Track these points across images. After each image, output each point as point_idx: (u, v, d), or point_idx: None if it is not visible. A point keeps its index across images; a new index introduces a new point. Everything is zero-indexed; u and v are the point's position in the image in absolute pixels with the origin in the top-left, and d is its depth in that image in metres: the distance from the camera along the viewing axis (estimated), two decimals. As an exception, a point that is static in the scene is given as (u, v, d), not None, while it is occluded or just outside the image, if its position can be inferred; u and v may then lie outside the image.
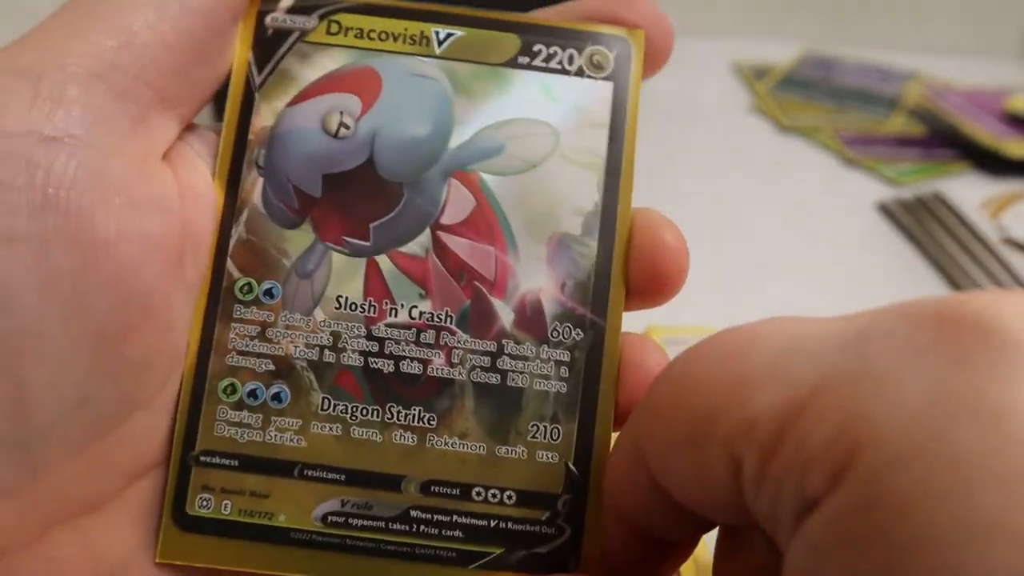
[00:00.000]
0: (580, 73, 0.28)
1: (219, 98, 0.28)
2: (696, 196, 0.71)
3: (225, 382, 0.27)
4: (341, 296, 0.27)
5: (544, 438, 0.27)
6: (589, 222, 0.28)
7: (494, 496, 0.27)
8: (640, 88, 0.29)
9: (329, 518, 0.26)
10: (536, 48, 0.28)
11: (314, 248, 0.27)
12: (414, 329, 0.27)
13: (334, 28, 0.28)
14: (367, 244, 0.27)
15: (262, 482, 0.26)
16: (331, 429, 0.27)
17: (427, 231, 0.28)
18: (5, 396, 0.22)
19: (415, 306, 0.27)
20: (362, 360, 0.27)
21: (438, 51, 0.28)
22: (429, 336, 0.27)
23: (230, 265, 0.27)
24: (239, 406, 0.27)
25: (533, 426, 0.27)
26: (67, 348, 0.23)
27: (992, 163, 0.81)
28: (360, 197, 0.28)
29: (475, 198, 0.28)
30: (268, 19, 0.28)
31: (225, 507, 0.26)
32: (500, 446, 0.27)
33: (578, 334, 0.27)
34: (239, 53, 0.28)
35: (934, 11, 1.09)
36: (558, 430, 0.27)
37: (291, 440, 0.27)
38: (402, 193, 0.28)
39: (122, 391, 0.24)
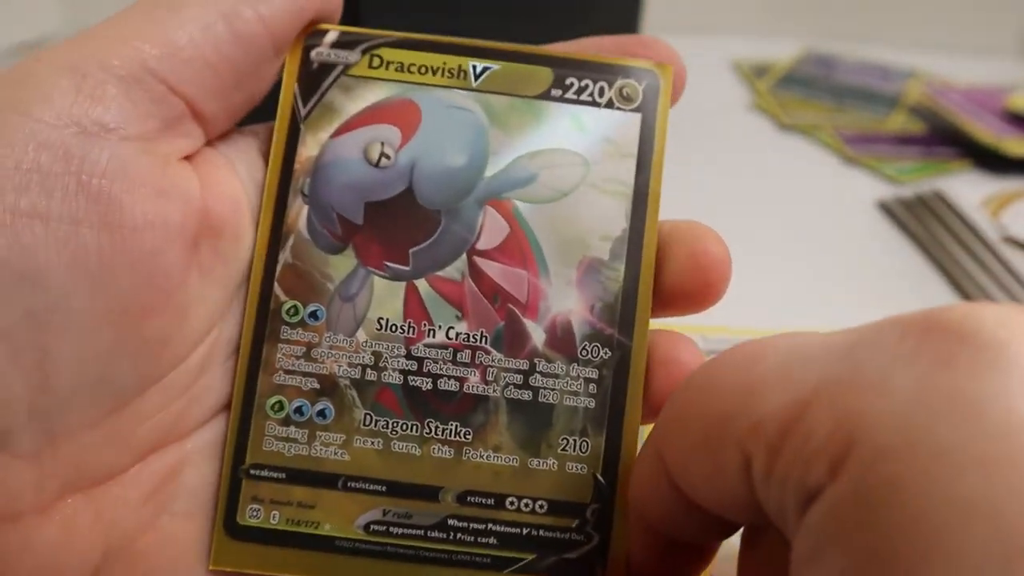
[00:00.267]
0: (610, 105, 0.30)
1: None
2: (695, 194, 0.71)
3: (273, 399, 0.28)
4: (382, 318, 0.29)
5: (574, 451, 0.28)
6: (617, 248, 0.29)
7: (526, 505, 0.28)
8: (668, 120, 0.30)
9: (371, 527, 0.28)
10: (568, 81, 0.30)
11: (356, 272, 0.29)
12: (451, 349, 0.29)
13: (376, 62, 0.30)
14: (407, 269, 0.29)
15: (308, 493, 0.28)
16: (373, 443, 0.28)
17: (463, 256, 0.29)
18: (30, 365, 0.24)
19: (452, 327, 0.29)
20: (402, 378, 0.28)
21: (475, 84, 0.30)
22: (465, 355, 0.29)
23: (277, 289, 0.29)
24: (286, 422, 0.28)
25: (563, 440, 0.28)
26: (91, 324, 0.24)
27: (992, 161, 0.81)
28: (400, 224, 0.29)
29: (509, 225, 0.29)
30: (313, 53, 0.29)
31: (274, 517, 0.28)
32: (532, 458, 0.28)
33: (606, 353, 0.29)
34: (286, 86, 0.29)
35: (934, 9, 1.09)
36: (587, 443, 0.28)
37: (335, 454, 0.28)
38: (440, 220, 0.29)
39: (139, 368, 0.26)
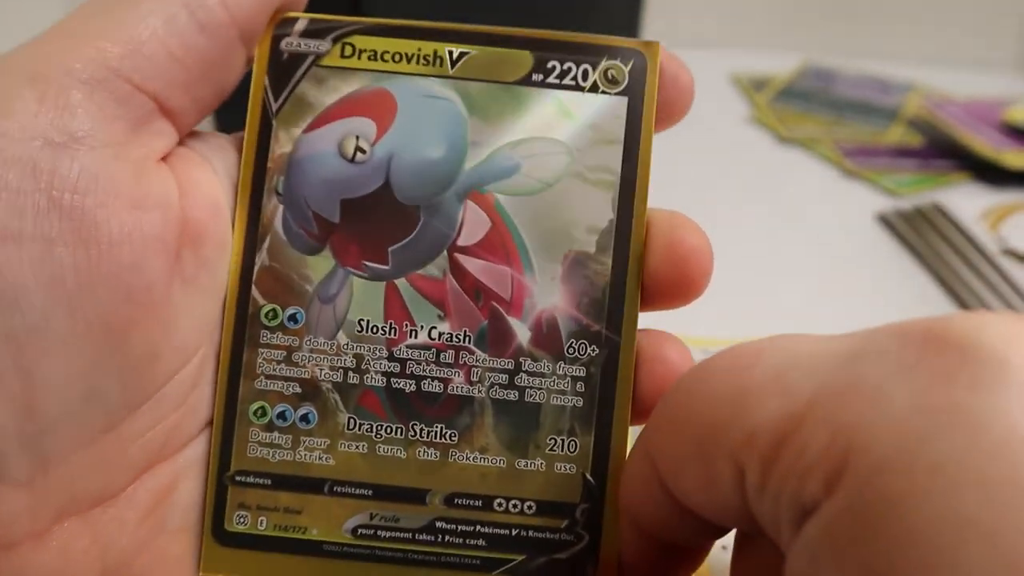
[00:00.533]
0: (595, 89, 0.28)
1: (222, 110, 0.28)
2: (695, 207, 0.70)
3: (255, 405, 0.28)
4: (363, 319, 0.28)
5: (562, 451, 0.28)
6: (603, 240, 0.28)
7: (515, 506, 0.28)
8: (655, 102, 0.29)
9: (359, 531, 0.28)
10: (550, 64, 0.28)
11: (335, 273, 0.28)
12: (434, 349, 0.28)
13: (348, 51, 0.28)
14: (386, 268, 0.28)
15: (295, 499, 0.28)
16: (357, 447, 0.28)
17: (444, 253, 0.28)
18: (14, 391, 0.23)
19: (434, 327, 0.28)
20: (385, 381, 0.28)
21: (451, 71, 0.28)
22: (449, 356, 0.28)
23: (255, 292, 0.28)
24: (269, 428, 0.28)
25: (551, 439, 0.28)
26: (73, 343, 0.24)
27: (991, 174, 0.81)
28: (378, 221, 0.28)
29: (490, 219, 0.28)
30: (283, 43, 0.28)
31: (261, 523, 0.28)
32: (520, 459, 0.28)
33: (593, 350, 0.28)
34: (256, 78, 0.28)
35: (933, 23, 1.09)
36: (575, 443, 0.28)
37: (320, 459, 0.28)
38: (419, 216, 0.28)
39: (127, 385, 0.25)
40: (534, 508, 0.28)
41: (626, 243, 0.28)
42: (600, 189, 0.28)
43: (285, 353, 0.28)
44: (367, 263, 0.28)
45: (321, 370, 0.28)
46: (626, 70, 0.29)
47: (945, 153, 0.85)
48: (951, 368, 0.18)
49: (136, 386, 0.25)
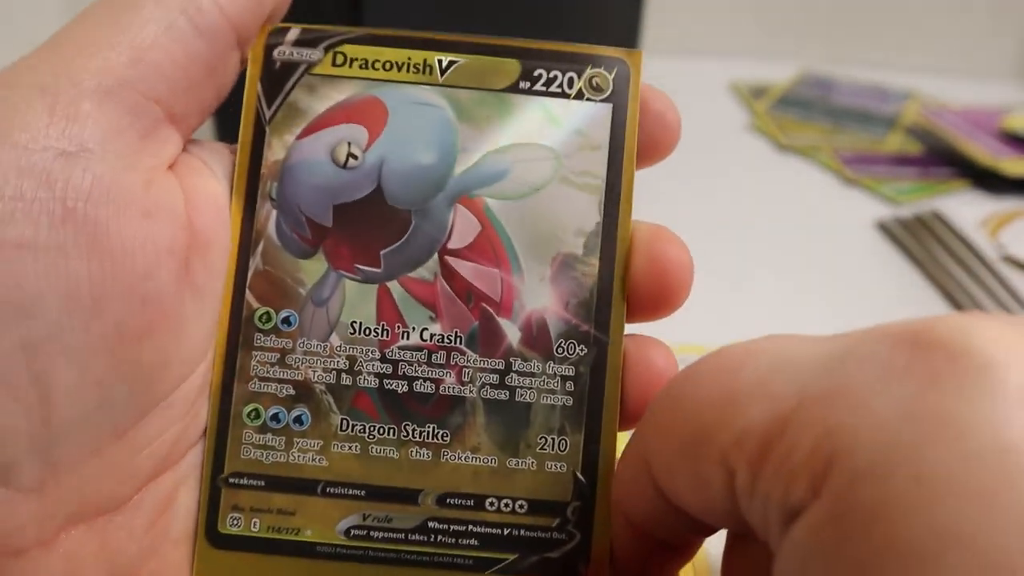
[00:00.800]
0: (580, 96, 0.29)
1: (221, 117, 0.29)
2: (694, 215, 0.70)
3: (249, 407, 0.28)
4: (355, 321, 0.28)
5: (552, 449, 0.28)
6: (590, 242, 0.29)
7: (506, 506, 0.28)
8: (638, 108, 0.29)
9: (352, 532, 0.28)
10: (537, 73, 0.29)
11: (328, 276, 0.28)
12: (426, 351, 0.28)
13: (339, 59, 0.29)
14: (378, 271, 0.28)
15: (288, 500, 0.28)
16: (351, 448, 0.28)
17: (435, 256, 0.29)
18: (29, 397, 0.23)
19: (426, 328, 0.28)
20: (377, 382, 0.28)
21: (441, 79, 0.29)
22: (440, 357, 0.28)
23: (249, 296, 0.28)
24: (263, 429, 0.28)
25: (541, 438, 0.28)
26: (86, 351, 0.24)
27: (990, 181, 0.81)
28: (370, 225, 0.29)
29: (480, 223, 0.29)
30: (275, 52, 0.29)
31: (254, 525, 0.28)
32: (511, 458, 0.28)
33: (582, 350, 0.28)
34: (249, 87, 0.29)
35: (931, 31, 1.10)
36: (565, 441, 0.28)
37: (313, 460, 0.28)
38: (410, 220, 0.29)
39: (137, 392, 0.25)
40: (526, 507, 0.28)
41: (612, 245, 0.29)
42: (586, 193, 0.29)
43: (279, 356, 0.28)
44: (359, 266, 0.28)
45: (314, 372, 0.28)
46: (610, 78, 0.29)
47: (944, 161, 0.86)
48: (937, 372, 0.18)
49: (146, 394, 0.26)
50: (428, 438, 0.28)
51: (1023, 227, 0.74)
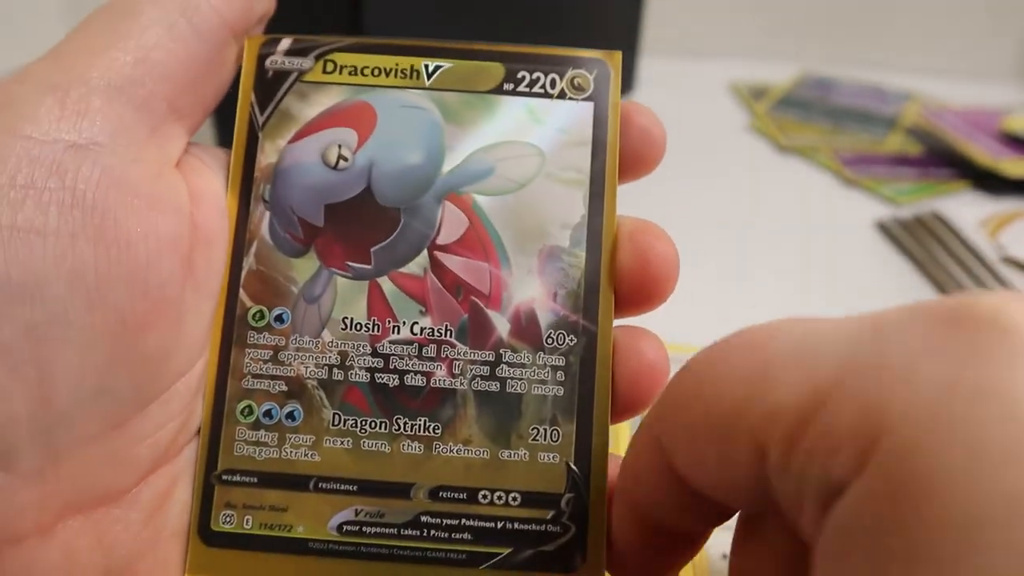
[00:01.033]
0: (562, 96, 0.30)
1: (222, 124, 0.29)
2: (694, 215, 0.70)
3: (242, 404, 0.28)
4: (347, 317, 0.29)
5: (544, 440, 0.28)
6: (576, 234, 0.29)
7: (500, 498, 0.28)
8: (619, 105, 0.30)
9: (344, 527, 0.28)
10: (520, 75, 0.30)
11: (319, 274, 0.29)
12: (416, 344, 0.29)
13: (329, 67, 0.30)
14: (369, 267, 0.29)
15: (280, 496, 0.28)
16: (342, 443, 0.28)
17: (424, 252, 0.29)
18: (31, 380, 0.24)
19: (416, 323, 0.29)
20: (368, 376, 0.28)
21: (428, 83, 0.30)
22: (431, 350, 0.29)
23: (242, 295, 0.29)
24: (256, 426, 0.28)
25: (533, 429, 0.28)
26: (89, 337, 0.24)
27: (990, 182, 0.81)
28: (360, 224, 0.29)
29: (468, 218, 0.29)
30: (268, 62, 0.30)
31: (247, 522, 0.28)
32: (503, 450, 0.28)
33: (571, 340, 0.29)
34: (242, 95, 0.30)
35: (930, 32, 1.10)
36: (557, 432, 0.28)
37: (306, 455, 0.28)
38: (399, 218, 0.29)
39: (138, 382, 0.26)
40: (519, 499, 0.28)
41: (598, 237, 0.29)
42: (571, 187, 0.29)
43: (272, 352, 0.29)
44: (350, 263, 0.29)
45: (306, 368, 0.28)
46: (591, 78, 0.30)
47: (944, 162, 0.85)
48: (983, 346, 0.18)
49: (146, 384, 0.26)
50: (419, 431, 0.28)
51: (1023, 228, 0.74)
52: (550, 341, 0.29)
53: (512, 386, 0.28)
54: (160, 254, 0.26)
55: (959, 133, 0.85)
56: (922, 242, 0.71)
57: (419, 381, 0.28)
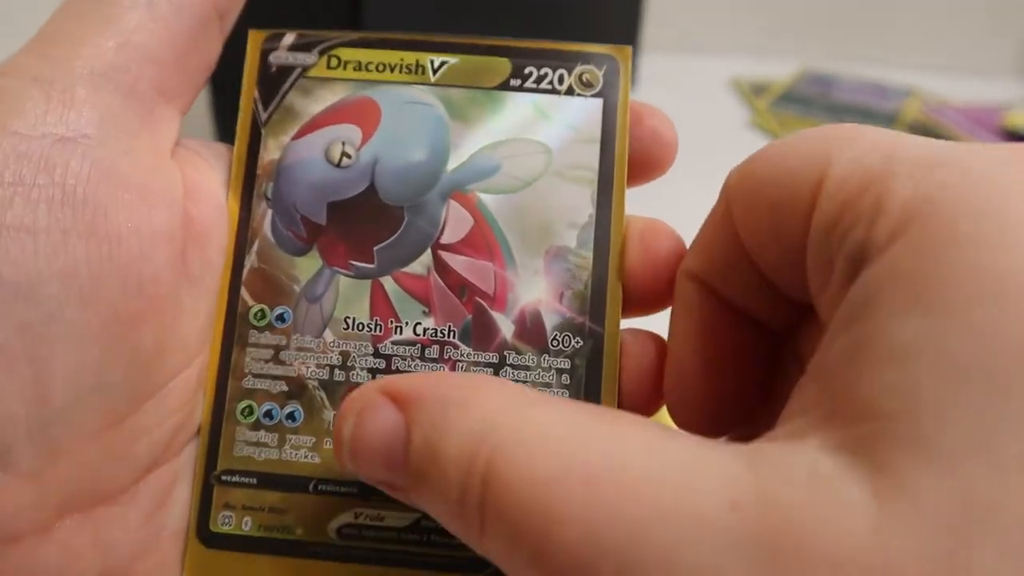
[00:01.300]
0: (570, 92, 0.29)
1: (223, 120, 0.29)
2: (695, 212, 0.70)
3: (243, 404, 0.28)
4: (349, 317, 0.28)
5: None
6: (584, 234, 0.29)
7: None
8: (629, 102, 0.29)
9: (344, 531, 0.27)
10: (527, 70, 0.30)
11: (322, 273, 0.29)
12: (419, 345, 0.28)
13: (333, 63, 0.30)
14: (372, 266, 0.29)
15: (280, 498, 0.28)
16: None
17: (428, 251, 0.29)
18: (27, 379, 0.23)
19: (419, 323, 0.28)
20: (370, 377, 0.28)
21: (433, 78, 0.30)
22: (434, 351, 0.28)
23: (244, 293, 0.28)
24: (256, 426, 0.28)
25: None
26: (84, 334, 0.24)
27: (991, 179, 0.80)
28: (364, 222, 0.29)
29: (473, 217, 0.29)
30: (271, 57, 0.30)
31: (246, 523, 0.27)
32: None
33: (577, 342, 0.28)
34: (245, 91, 0.30)
35: (932, 28, 1.10)
36: None
37: (306, 457, 0.28)
38: (403, 216, 0.29)
39: (133, 378, 0.26)
40: None
41: (606, 237, 0.29)
42: (579, 186, 0.29)
43: (273, 352, 0.28)
44: (353, 262, 0.29)
45: (308, 368, 0.28)
46: (600, 74, 0.30)
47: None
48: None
49: (142, 381, 0.26)
50: None
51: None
52: (555, 343, 0.28)
53: None
54: (153, 248, 0.25)
55: (960, 129, 0.84)
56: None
57: None
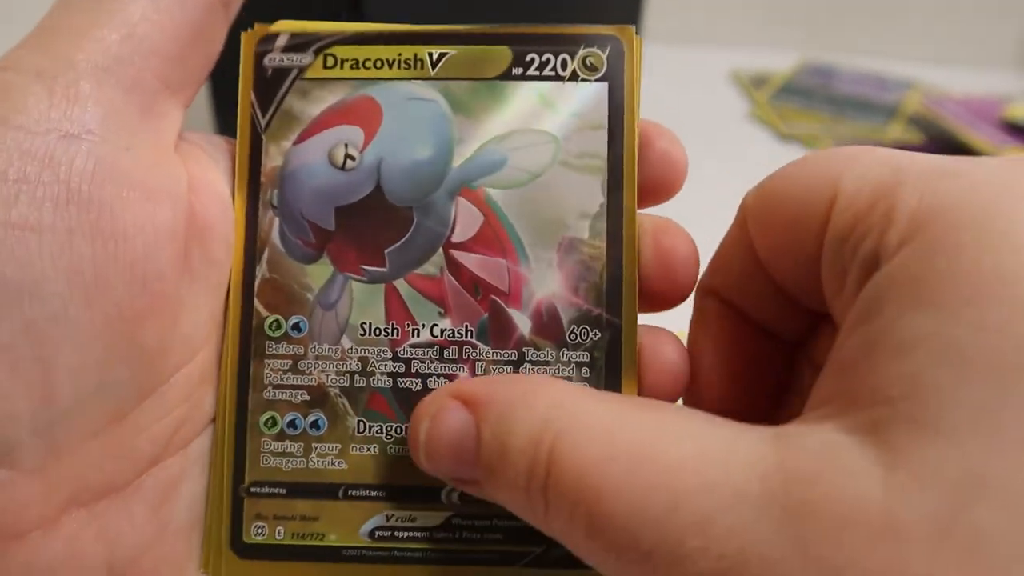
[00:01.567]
0: (574, 77, 0.29)
1: (224, 126, 0.29)
2: (694, 204, 0.70)
3: (265, 416, 0.28)
4: (365, 322, 0.28)
5: None
6: (596, 224, 0.28)
7: None
8: (637, 84, 0.29)
9: (376, 533, 0.28)
10: (528, 58, 0.29)
11: (334, 279, 0.28)
12: (437, 347, 0.28)
13: (330, 62, 0.29)
14: (384, 270, 0.28)
15: (310, 506, 0.28)
16: (369, 449, 0.28)
17: (440, 251, 0.28)
18: (32, 377, 0.23)
19: (436, 324, 0.28)
20: (391, 381, 0.28)
21: (433, 72, 0.29)
22: (452, 352, 0.28)
23: (257, 304, 0.28)
24: (280, 437, 0.28)
25: None
26: (89, 333, 0.24)
27: (991, 172, 0.80)
28: (372, 225, 0.28)
29: (483, 213, 0.28)
30: (266, 60, 0.29)
31: (279, 532, 0.28)
32: None
33: (595, 334, 0.28)
34: (242, 96, 0.29)
35: (932, 21, 1.09)
36: None
37: (333, 464, 0.28)
38: (412, 217, 0.28)
39: (137, 375, 0.26)
40: None
41: (619, 225, 0.28)
42: (589, 174, 0.28)
43: (291, 362, 0.28)
44: (365, 267, 0.28)
45: (328, 376, 0.28)
46: (604, 56, 0.29)
47: (945, 150, 0.85)
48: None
49: (145, 377, 0.26)
50: None
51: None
52: (573, 337, 0.28)
53: None
54: (158, 245, 0.25)
55: (961, 121, 0.84)
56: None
57: (442, 384, 0.28)
